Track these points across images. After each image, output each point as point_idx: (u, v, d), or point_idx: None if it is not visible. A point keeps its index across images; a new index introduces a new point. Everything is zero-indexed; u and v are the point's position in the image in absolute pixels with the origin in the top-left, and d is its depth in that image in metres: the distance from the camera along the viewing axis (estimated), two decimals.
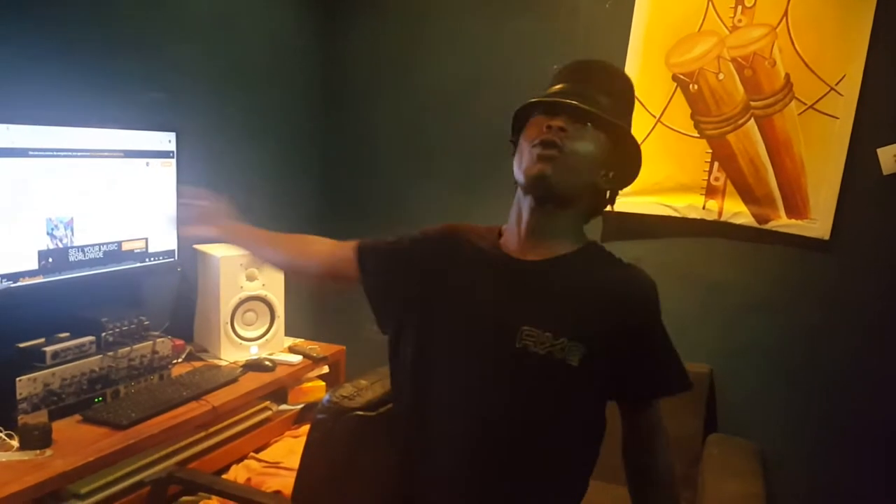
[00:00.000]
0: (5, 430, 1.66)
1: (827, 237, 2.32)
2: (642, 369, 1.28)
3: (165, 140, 2.21)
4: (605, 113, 1.24)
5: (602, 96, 1.27)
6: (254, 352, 2.39)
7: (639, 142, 1.33)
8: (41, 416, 1.74)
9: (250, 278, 2.39)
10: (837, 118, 2.27)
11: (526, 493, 1.27)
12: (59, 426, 1.74)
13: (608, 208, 1.36)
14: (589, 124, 1.24)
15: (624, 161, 1.31)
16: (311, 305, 3.10)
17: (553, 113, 1.24)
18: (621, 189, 1.34)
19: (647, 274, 1.31)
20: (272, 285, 2.43)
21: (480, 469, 1.27)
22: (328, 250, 1.55)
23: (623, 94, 1.33)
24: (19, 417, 1.70)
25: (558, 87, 1.30)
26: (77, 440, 1.70)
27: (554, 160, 1.21)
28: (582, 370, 1.22)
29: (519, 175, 1.26)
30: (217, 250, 2.39)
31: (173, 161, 2.24)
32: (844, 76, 2.25)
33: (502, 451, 1.26)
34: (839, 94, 2.26)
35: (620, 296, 1.27)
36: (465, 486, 1.29)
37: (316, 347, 2.52)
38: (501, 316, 1.26)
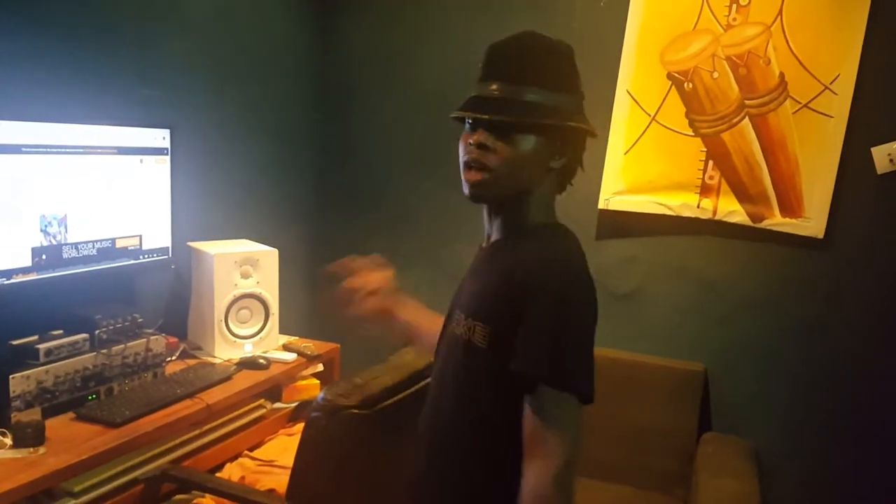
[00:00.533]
0: None
1: (821, 236, 2.33)
2: (516, 350, 1.15)
3: (160, 137, 2.21)
4: (532, 112, 1.18)
5: (529, 90, 1.19)
6: (248, 350, 2.38)
7: (586, 124, 1.24)
8: (34, 414, 1.73)
9: (244, 276, 2.38)
10: (832, 117, 2.28)
11: (453, 484, 1.27)
12: (52, 424, 1.73)
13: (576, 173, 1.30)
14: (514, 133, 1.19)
15: (573, 137, 1.25)
16: (306, 303, 3.10)
17: (473, 126, 1.21)
18: (581, 154, 1.28)
19: (563, 261, 1.21)
20: (266, 283, 2.42)
21: (428, 438, 1.32)
22: None
23: (555, 74, 1.23)
24: (12, 415, 1.69)
25: (481, 86, 1.23)
26: (70, 438, 1.69)
27: (483, 180, 1.21)
28: (489, 352, 1.18)
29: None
30: (211, 247, 2.39)
31: (168, 158, 2.23)
32: (839, 75, 2.26)
33: (439, 426, 1.30)
34: (834, 92, 2.27)
35: (513, 272, 1.18)
36: (421, 452, 1.33)
37: (310, 345, 2.51)
38: (452, 303, 1.34)
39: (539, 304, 1.14)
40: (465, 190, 1.25)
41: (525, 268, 1.18)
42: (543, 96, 1.19)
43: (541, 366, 1.13)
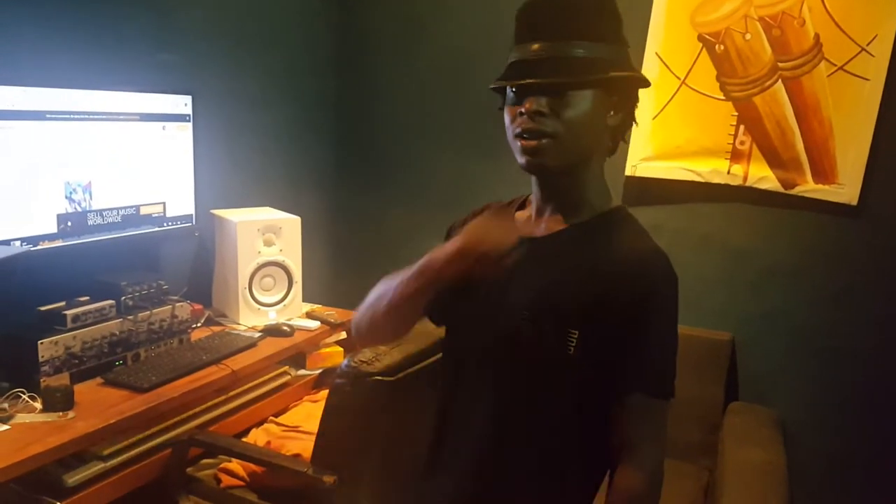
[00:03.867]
0: (28, 392, 1.67)
1: (855, 203, 2.27)
2: (620, 355, 1.11)
3: (182, 103, 2.20)
4: (584, 68, 1.08)
5: (577, 45, 1.08)
6: (272, 317, 2.39)
7: (638, 73, 1.16)
8: (63, 379, 1.76)
9: (268, 244, 2.38)
10: (868, 80, 2.20)
11: (517, 487, 1.19)
12: (80, 389, 1.75)
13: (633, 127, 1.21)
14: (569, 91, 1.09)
15: (627, 89, 1.16)
16: (329, 271, 3.10)
17: (519, 94, 1.11)
18: (635, 108, 1.19)
19: (665, 260, 1.13)
20: (289, 251, 2.42)
21: (483, 453, 1.21)
22: None
23: (600, 24, 1.12)
24: (42, 380, 1.71)
25: (520, 50, 1.12)
26: (99, 402, 1.72)
27: (541, 148, 1.10)
28: (578, 359, 1.11)
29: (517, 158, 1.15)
30: (234, 215, 2.39)
31: (190, 125, 2.22)
32: (876, 36, 2.18)
33: (501, 437, 1.20)
34: (870, 54, 2.19)
35: (618, 274, 1.10)
36: (470, 466, 1.23)
37: (333, 313, 2.51)
38: (501, 299, 1.18)
39: (655, 312, 1.10)
40: (521, 160, 1.13)
41: (627, 270, 1.10)
42: (592, 49, 1.09)
43: (656, 381, 1.12)
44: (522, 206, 1.28)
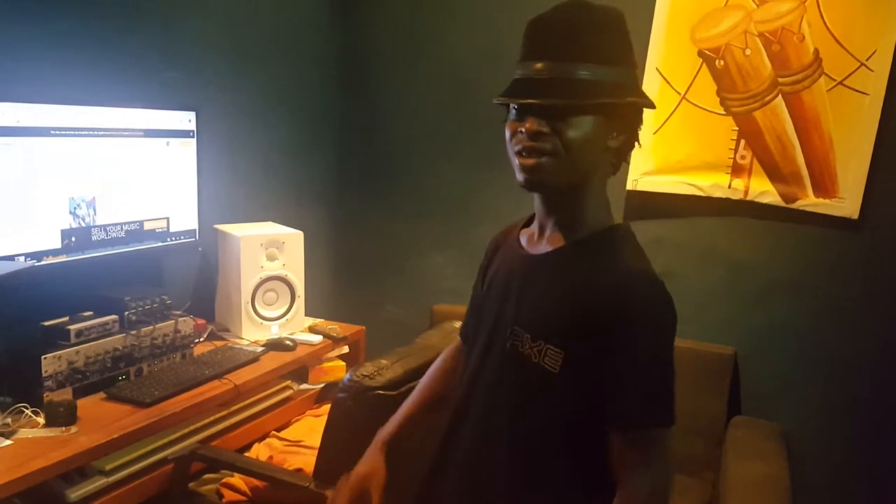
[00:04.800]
0: (31, 407, 1.67)
1: (856, 217, 2.27)
2: (604, 382, 1.09)
3: (186, 119, 2.22)
4: (586, 91, 1.07)
5: (581, 67, 1.07)
6: (274, 331, 2.40)
7: (645, 96, 1.16)
8: (66, 394, 1.76)
9: (270, 258, 2.39)
10: (868, 94, 2.22)
11: (507, 501, 1.20)
12: (83, 404, 1.75)
13: (637, 146, 1.20)
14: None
15: (631, 113, 1.15)
16: (331, 285, 3.11)
17: (521, 112, 1.11)
18: (638, 129, 1.18)
19: (652, 283, 1.11)
20: (292, 265, 2.43)
21: (474, 466, 1.23)
22: (452, 359, 1.49)
23: (607, 46, 1.11)
24: (45, 395, 1.71)
25: (524, 67, 1.12)
26: (101, 417, 1.72)
27: (539, 166, 1.10)
28: (562, 378, 1.10)
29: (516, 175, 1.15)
30: (237, 230, 2.40)
31: (193, 141, 2.24)
32: (875, 51, 2.19)
33: (492, 453, 1.20)
34: (870, 69, 2.20)
35: (602, 295, 1.09)
36: (462, 480, 1.25)
37: (336, 327, 2.51)
38: (498, 315, 1.21)
39: (635, 335, 1.08)
40: (519, 177, 1.13)
41: (611, 291, 1.09)
42: (597, 72, 1.08)
43: (645, 409, 1.09)
44: (530, 223, 1.30)
